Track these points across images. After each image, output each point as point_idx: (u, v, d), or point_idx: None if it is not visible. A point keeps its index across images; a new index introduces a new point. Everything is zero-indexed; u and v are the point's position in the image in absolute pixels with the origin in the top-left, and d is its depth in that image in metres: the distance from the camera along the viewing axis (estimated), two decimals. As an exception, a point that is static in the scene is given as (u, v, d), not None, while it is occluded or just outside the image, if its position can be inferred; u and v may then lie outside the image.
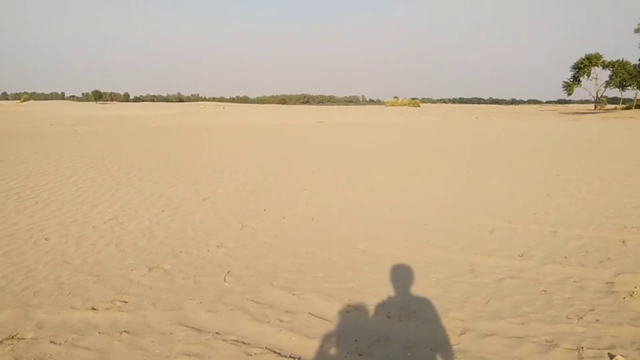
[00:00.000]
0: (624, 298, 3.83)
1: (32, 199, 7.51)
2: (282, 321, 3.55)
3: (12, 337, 3.28)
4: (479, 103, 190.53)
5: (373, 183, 9.12)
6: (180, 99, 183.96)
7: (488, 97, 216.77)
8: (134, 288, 4.16)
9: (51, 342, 3.21)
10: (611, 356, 2.95)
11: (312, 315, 3.64)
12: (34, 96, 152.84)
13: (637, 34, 50.63)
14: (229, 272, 4.56)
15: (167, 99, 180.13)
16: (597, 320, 3.46)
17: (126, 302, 3.87)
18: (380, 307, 3.76)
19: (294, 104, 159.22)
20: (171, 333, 3.38)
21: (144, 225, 6.20)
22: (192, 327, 3.47)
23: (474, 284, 4.24)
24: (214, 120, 33.25)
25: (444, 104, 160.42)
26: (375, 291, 4.06)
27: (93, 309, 3.73)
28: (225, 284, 4.29)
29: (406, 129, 25.49)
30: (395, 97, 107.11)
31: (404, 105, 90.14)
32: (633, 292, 3.91)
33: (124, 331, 3.37)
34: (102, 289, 4.12)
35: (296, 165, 11.63)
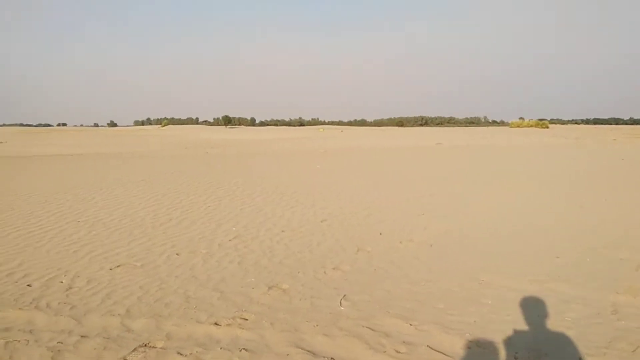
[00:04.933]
0: None
1: (167, 216, 8.19)
2: (398, 352, 3.39)
3: (145, 345, 3.52)
4: (616, 124, 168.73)
5: (495, 208, 8.56)
6: (301, 123, 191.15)
7: (628, 117, 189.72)
8: (254, 306, 4.27)
9: (178, 353, 3.39)
10: None
11: (431, 348, 3.43)
12: (172, 121, 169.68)
13: None
14: (344, 296, 4.51)
15: (289, 123, 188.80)
16: None
17: (246, 319, 3.98)
18: (507, 345, 3.43)
19: (412, 126, 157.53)
20: (287, 355, 3.39)
21: (265, 244, 6.41)
22: (308, 350, 3.45)
23: (617, 327, 3.72)
24: (331, 145, 34.01)
25: (576, 125, 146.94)
26: (500, 327, 3.73)
27: (216, 324, 3.88)
28: (341, 308, 4.24)
29: (532, 152, 23.79)
30: (520, 117, 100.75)
31: (531, 126, 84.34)
32: None
33: (243, 349, 3.45)
34: (224, 305, 4.30)
35: (412, 188, 11.39)
